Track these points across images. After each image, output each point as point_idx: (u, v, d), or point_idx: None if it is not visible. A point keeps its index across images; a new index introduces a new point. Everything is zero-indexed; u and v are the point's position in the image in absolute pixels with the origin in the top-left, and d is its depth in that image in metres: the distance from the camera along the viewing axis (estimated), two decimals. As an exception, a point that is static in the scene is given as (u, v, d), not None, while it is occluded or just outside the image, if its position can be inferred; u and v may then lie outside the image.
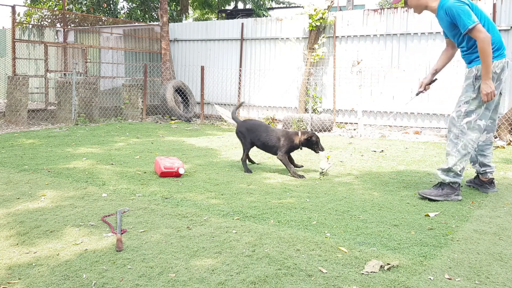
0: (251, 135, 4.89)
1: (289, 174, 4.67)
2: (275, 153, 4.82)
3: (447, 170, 3.78)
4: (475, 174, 4.25)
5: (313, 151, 4.88)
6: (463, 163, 3.75)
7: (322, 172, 4.64)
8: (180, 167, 4.47)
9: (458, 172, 3.75)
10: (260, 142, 4.86)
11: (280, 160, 4.74)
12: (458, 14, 3.59)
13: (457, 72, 8.49)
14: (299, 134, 4.76)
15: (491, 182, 4.11)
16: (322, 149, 4.82)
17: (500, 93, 3.97)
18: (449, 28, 3.80)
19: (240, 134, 4.99)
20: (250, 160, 5.23)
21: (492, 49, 3.62)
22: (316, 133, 4.88)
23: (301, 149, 4.82)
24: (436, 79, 4.16)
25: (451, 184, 3.78)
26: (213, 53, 11.47)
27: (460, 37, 3.74)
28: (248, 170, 4.79)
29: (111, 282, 2.19)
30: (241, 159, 4.96)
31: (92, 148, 6.09)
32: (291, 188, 4.15)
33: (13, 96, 8.73)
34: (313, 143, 4.76)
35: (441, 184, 3.82)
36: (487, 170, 4.07)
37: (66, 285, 2.16)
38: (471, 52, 3.74)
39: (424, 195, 3.79)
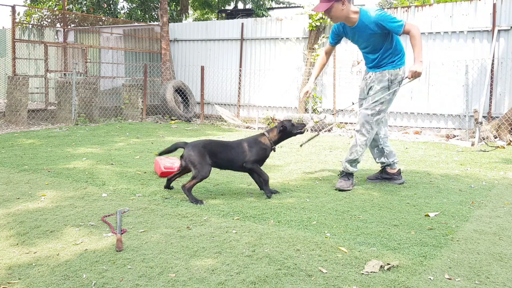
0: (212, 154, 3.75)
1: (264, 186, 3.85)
2: (240, 169, 3.86)
3: (355, 161, 4.21)
4: (381, 168, 4.48)
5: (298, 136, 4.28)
6: (363, 156, 4.30)
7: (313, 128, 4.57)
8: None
9: (358, 163, 4.29)
10: (224, 161, 3.82)
11: (249, 169, 3.82)
12: (388, 21, 3.93)
13: (457, 72, 8.49)
14: (266, 133, 3.93)
15: (399, 173, 4.42)
16: (302, 128, 4.00)
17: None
18: (373, 38, 4.03)
19: (192, 156, 3.68)
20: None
21: (398, 56, 4.11)
22: (293, 122, 4.02)
23: (274, 150, 3.95)
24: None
25: (353, 174, 4.27)
26: (213, 53, 11.47)
27: (380, 44, 4.03)
28: (197, 201, 3.59)
29: (111, 282, 2.19)
30: (185, 186, 3.68)
31: (92, 148, 6.09)
32: (291, 188, 4.15)
33: (13, 96, 8.73)
34: (288, 135, 3.97)
35: (347, 174, 4.21)
36: (395, 161, 4.39)
37: (66, 285, 2.16)
38: (384, 58, 4.08)
39: (342, 189, 4.06)
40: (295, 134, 3.99)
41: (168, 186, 4.00)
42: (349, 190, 4.09)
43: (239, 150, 3.81)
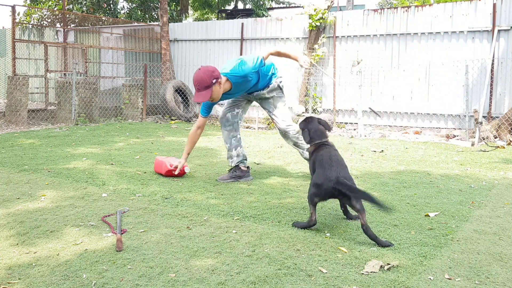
0: None
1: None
2: None
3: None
4: (234, 166, 4.45)
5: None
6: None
7: (299, 115, 4.64)
8: (186, 165, 4.44)
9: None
10: None
11: None
12: (257, 64, 4.05)
13: (457, 72, 8.50)
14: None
15: (248, 169, 4.52)
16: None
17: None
18: (250, 84, 4.17)
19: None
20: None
21: (273, 71, 4.41)
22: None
23: None
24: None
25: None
26: (213, 53, 11.47)
27: (255, 80, 4.20)
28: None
29: (111, 282, 2.19)
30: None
31: (92, 148, 6.09)
32: (291, 188, 4.15)
33: (13, 96, 8.73)
34: None
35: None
36: (246, 159, 4.52)
37: (66, 285, 2.16)
38: (265, 79, 4.29)
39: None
40: None
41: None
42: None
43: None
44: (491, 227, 3.09)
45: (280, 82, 4.45)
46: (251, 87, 4.28)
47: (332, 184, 2.82)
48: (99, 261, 2.43)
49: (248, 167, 4.50)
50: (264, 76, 4.30)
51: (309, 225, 2.99)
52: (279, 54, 4.33)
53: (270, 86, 4.36)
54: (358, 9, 12.91)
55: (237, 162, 4.44)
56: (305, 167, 5.12)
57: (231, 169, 4.50)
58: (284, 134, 4.38)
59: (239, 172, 4.41)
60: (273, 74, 4.41)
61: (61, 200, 3.59)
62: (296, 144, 4.43)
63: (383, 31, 9.30)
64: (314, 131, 3.38)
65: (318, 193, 2.90)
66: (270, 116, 4.48)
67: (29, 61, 12.16)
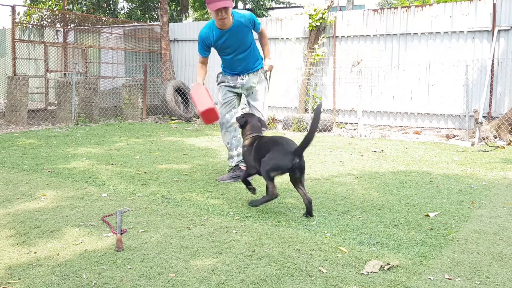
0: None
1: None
2: None
3: None
4: (233, 166, 4.49)
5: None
6: None
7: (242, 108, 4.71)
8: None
9: None
10: None
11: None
12: (253, 17, 4.28)
13: (457, 72, 8.49)
14: None
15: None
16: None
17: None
18: (246, 38, 4.32)
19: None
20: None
21: (260, 57, 4.54)
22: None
23: None
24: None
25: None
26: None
27: (249, 43, 4.36)
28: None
29: (111, 282, 2.19)
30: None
31: (92, 148, 6.09)
32: (291, 188, 4.14)
33: (13, 96, 8.73)
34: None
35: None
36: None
37: (66, 285, 2.16)
38: (253, 57, 4.43)
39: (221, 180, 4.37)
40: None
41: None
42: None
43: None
44: (491, 227, 3.09)
45: (265, 72, 4.55)
46: (242, 58, 4.37)
47: (295, 155, 3.22)
48: (99, 261, 2.43)
49: None
50: (255, 53, 4.43)
51: (271, 198, 3.32)
52: (262, 44, 4.58)
53: (259, 71, 4.47)
54: (358, 9, 12.91)
55: (237, 162, 4.45)
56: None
57: (231, 169, 4.51)
58: None
59: (239, 172, 4.39)
60: (261, 59, 4.54)
61: (61, 200, 3.59)
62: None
63: (383, 31, 9.30)
64: (254, 125, 3.76)
65: (280, 167, 3.25)
66: (249, 104, 4.56)
67: (29, 61, 12.16)
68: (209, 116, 3.97)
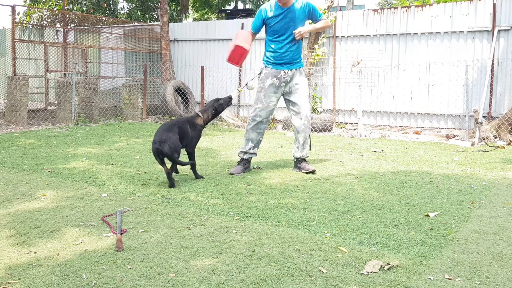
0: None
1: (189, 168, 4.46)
2: (186, 146, 4.35)
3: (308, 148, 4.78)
4: (246, 159, 4.77)
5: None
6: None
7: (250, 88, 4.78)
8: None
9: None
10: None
11: (191, 153, 4.40)
12: (315, 8, 4.56)
13: (457, 72, 8.49)
14: (200, 114, 4.46)
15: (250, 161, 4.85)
16: (231, 99, 4.64)
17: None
18: (299, 21, 4.51)
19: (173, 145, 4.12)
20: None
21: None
22: (220, 99, 4.60)
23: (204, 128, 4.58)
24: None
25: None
26: (213, 53, 11.46)
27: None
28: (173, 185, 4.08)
29: (111, 282, 2.19)
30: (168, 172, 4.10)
31: (92, 148, 6.09)
32: (291, 188, 4.15)
33: (13, 96, 8.73)
34: (219, 112, 4.58)
35: (305, 160, 4.78)
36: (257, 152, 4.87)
37: (66, 285, 2.16)
38: (299, 53, 4.64)
39: (309, 169, 4.66)
40: (224, 108, 4.62)
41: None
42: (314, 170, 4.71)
43: (185, 128, 4.34)
44: (491, 227, 3.09)
45: (304, 73, 4.74)
46: (289, 49, 4.52)
47: (156, 145, 3.99)
48: (99, 261, 2.43)
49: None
50: (300, 49, 4.62)
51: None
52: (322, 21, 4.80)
53: (301, 69, 4.64)
54: (358, 9, 12.91)
55: (248, 157, 4.77)
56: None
57: (241, 161, 4.78)
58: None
59: (248, 165, 4.79)
60: (301, 60, 4.72)
61: (61, 200, 3.59)
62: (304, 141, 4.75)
63: (383, 31, 9.30)
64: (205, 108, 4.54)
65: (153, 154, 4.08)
66: (288, 103, 4.73)
67: (29, 61, 12.16)
68: (238, 53, 4.37)
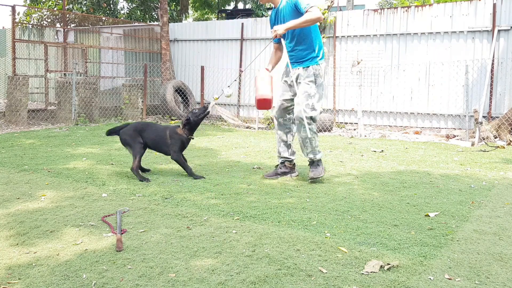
0: (142, 134, 4.47)
1: (187, 174, 4.43)
2: (167, 153, 4.51)
3: (314, 150, 4.34)
4: (279, 163, 4.60)
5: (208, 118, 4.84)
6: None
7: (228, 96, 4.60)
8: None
9: (319, 149, 4.44)
10: (151, 141, 4.48)
11: (175, 160, 4.47)
12: (297, 1, 4.09)
13: (457, 72, 8.49)
14: (181, 126, 4.51)
15: (294, 166, 4.64)
16: (206, 110, 4.53)
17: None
18: (292, 17, 4.15)
19: (127, 139, 4.45)
20: (142, 169, 4.58)
21: (319, 52, 4.33)
22: (195, 109, 4.57)
23: (193, 138, 4.56)
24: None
25: (320, 159, 4.42)
26: (213, 53, 11.47)
27: (298, 31, 4.20)
28: (143, 179, 4.28)
29: (111, 282, 2.19)
30: (132, 167, 4.37)
31: (92, 148, 6.09)
32: (291, 188, 4.15)
33: (13, 96, 8.73)
34: (197, 122, 4.50)
35: (315, 162, 4.38)
36: (295, 157, 4.61)
37: (66, 285, 2.16)
38: (305, 51, 4.29)
39: (316, 177, 4.31)
40: (201, 119, 4.53)
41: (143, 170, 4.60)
42: (322, 176, 4.36)
43: (163, 135, 4.46)
44: (491, 227, 3.09)
45: (316, 73, 4.31)
46: (292, 47, 4.30)
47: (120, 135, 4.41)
48: (99, 261, 2.43)
49: (294, 164, 4.63)
50: (307, 46, 4.28)
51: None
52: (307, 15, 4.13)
53: (310, 68, 4.29)
54: (358, 9, 12.91)
55: (282, 160, 4.58)
56: (305, 167, 5.13)
57: (277, 165, 4.65)
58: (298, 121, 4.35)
59: (284, 169, 4.56)
60: (316, 56, 4.32)
61: (61, 200, 3.59)
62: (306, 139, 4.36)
63: (383, 31, 9.30)
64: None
65: None
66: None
67: (29, 61, 12.16)
68: (263, 104, 4.27)
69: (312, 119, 4.31)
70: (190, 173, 4.41)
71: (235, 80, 4.60)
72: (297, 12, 4.12)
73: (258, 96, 4.25)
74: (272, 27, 4.38)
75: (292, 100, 4.45)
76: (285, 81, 4.51)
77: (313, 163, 4.41)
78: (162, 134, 4.48)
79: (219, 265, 2.39)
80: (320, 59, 4.33)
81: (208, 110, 4.52)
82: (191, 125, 4.48)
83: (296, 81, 4.37)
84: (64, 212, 3.28)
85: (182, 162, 4.45)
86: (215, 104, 10.89)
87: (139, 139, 4.42)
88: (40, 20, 14.47)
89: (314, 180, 4.36)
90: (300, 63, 4.34)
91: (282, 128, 4.57)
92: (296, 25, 4.10)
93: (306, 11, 4.05)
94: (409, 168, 5.18)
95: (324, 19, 9.61)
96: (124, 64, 11.81)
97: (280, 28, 4.09)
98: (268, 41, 10.62)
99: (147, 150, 4.58)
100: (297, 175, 4.61)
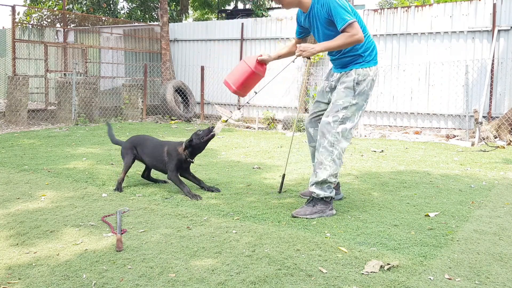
0: (137, 149, 4.15)
1: (183, 194, 3.84)
2: (164, 172, 4.07)
3: (322, 183, 3.31)
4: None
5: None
6: (337, 174, 3.37)
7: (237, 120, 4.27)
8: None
9: (332, 185, 3.35)
10: (146, 157, 4.12)
11: (171, 180, 3.98)
12: (335, 7, 3.25)
13: (457, 72, 8.49)
14: (183, 145, 4.01)
15: (339, 186, 3.81)
16: (211, 132, 3.96)
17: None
18: (325, 26, 3.43)
19: (122, 152, 4.21)
20: (151, 178, 4.32)
21: (368, 54, 3.46)
22: (199, 130, 4.02)
23: (192, 162, 4.07)
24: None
25: (324, 198, 3.32)
26: (213, 53, 11.46)
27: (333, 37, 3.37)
28: (118, 189, 3.96)
29: (111, 282, 2.19)
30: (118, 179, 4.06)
31: (92, 148, 6.09)
32: (291, 188, 4.15)
33: (13, 96, 8.74)
34: (199, 146, 3.98)
35: (313, 200, 3.34)
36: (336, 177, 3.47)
37: (66, 285, 2.16)
38: (347, 55, 3.46)
39: (298, 215, 3.26)
40: (206, 142, 3.99)
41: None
42: (313, 218, 3.24)
43: (160, 151, 4.07)
44: (491, 227, 3.09)
45: (359, 78, 3.39)
46: (331, 54, 3.55)
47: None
48: (99, 261, 2.43)
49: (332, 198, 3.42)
50: (348, 51, 3.41)
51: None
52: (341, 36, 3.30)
53: (351, 73, 3.42)
54: (358, 9, 12.89)
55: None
56: (305, 167, 5.13)
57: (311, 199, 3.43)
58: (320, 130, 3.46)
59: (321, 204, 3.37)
60: (363, 58, 3.44)
61: (61, 200, 3.59)
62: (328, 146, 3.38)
63: (383, 31, 9.30)
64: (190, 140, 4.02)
65: None
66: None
67: (29, 61, 12.16)
68: (227, 84, 3.72)
69: (340, 135, 3.38)
70: (186, 193, 3.79)
71: (253, 95, 4.04)
72: (332, 23, 3.33)
73: (226, 77, 3.74)
74: (298, 32, 3.83)
75: (323, 107, 3.68)
76: (323, 86, 3.76)
77: (312, 200, 3.36)
78: (160, 150, 4.07)
79: (219, 265, 2.39)
80: (368, 63, 3.43)
81: (213, 133, 3.95)
82: (193, 148, 3.97)
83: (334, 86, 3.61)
84: (64, 212, 3.28)
85: (178, 182, 3.90)
86: (216, 104, 10.90)
87: (133, 152, 4.12)
88: (40, 20, 14.47)
89: (295, 216, 3.29)
90: (344, 68, 3.51)
91: (313, 142, 3.74)
92: (329, 49, 3.37)
93: (343, 30, 3.23)
94: (409, 168, 5.18)
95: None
96: (124, 64, 11.81)
97: (308, 52, 3.40)
98: (268, 41, 10.63)
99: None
100: (341, 198, 3.76)
